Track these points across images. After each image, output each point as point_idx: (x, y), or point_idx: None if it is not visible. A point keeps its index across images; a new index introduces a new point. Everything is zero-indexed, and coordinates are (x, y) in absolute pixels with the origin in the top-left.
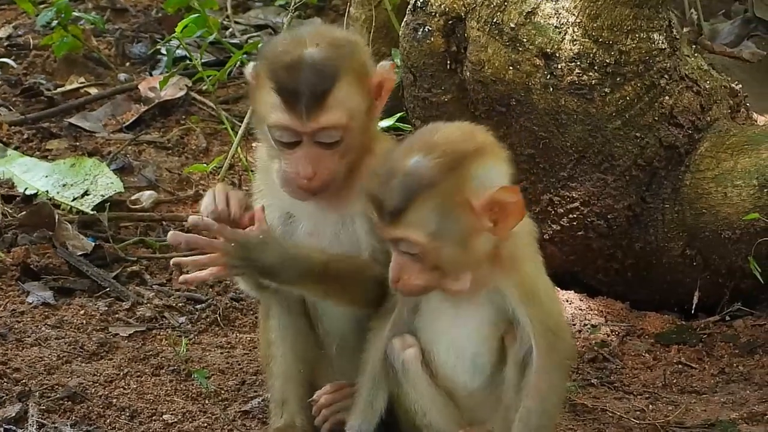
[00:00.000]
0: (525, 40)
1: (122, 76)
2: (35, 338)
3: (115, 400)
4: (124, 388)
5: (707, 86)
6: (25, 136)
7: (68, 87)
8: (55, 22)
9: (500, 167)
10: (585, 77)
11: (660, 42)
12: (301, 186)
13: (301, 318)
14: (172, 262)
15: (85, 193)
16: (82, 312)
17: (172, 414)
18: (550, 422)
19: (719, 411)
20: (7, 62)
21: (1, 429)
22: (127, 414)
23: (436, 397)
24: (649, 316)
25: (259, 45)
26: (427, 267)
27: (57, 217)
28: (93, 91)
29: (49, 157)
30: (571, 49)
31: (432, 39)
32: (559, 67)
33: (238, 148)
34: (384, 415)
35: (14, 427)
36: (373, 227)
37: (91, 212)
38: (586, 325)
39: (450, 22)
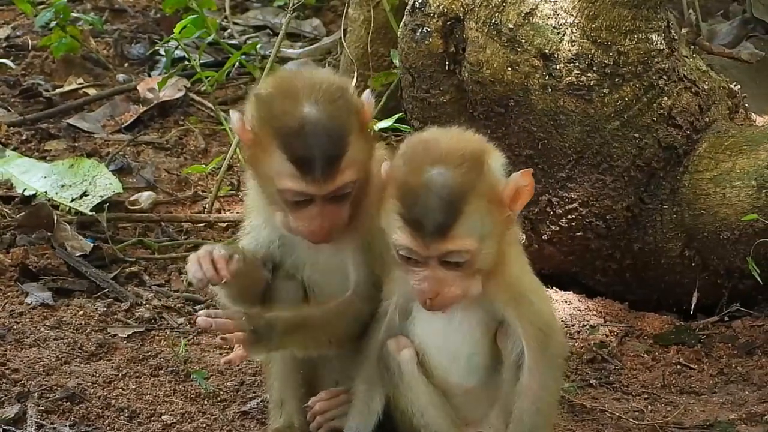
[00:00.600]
0: (523, 40)
1: (121, 77)
2: (34, 339)
3: (113, 401)
4: (123, 389)
5: (706, 87)
6: (23, 137)
7: (67, 88)
8: (53, 23)
9: (500, 158)
10: (583, 78)
11: (658, 43)
12: (315, 240)
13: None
14: (198, 320)
15: (84, 194)
16: (80, 313)
17: (170, 415)
18: (546, 422)
19: (718, 411)
20: (6, 63)
21: (0, 430)
22: (126, 415)
23: (433, 397)
24: (647, 316)
25: (258, 45)
26: (468, 274)
27: (56, 217)
28: (91, 91)
29: (47, 158)
30: (569, 50)
31: (430, 40)
32: (558, 67)
33: (237, 148)
34: (381, 417)
35: (13, 428)
36: (406, 248)
37: (90, 213)
38: (585, 325)
39: (448, 22)
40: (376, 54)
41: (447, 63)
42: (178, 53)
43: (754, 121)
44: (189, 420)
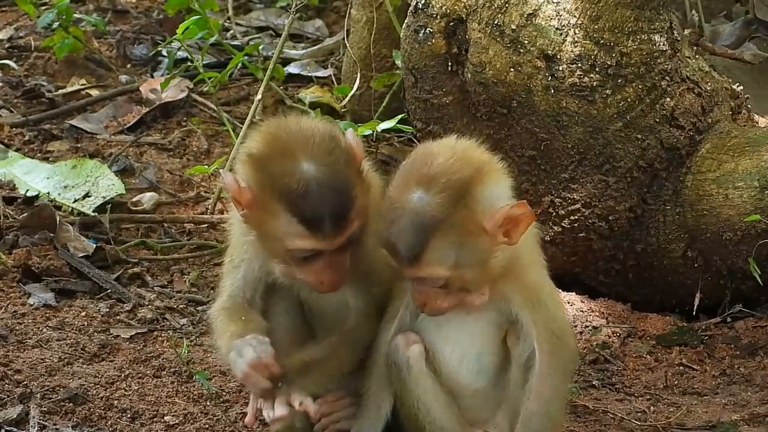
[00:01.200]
0: (526, 41)
1: (123, 78)
2: (36, 340)
3: (116, 402)
4: (126, 390)
5: (708, 88)
6: (26, 138)
7: (69, 89)
8: (56, 24)
9: (501, 183)
10: (586, 79)
11: (661, 44)
12: (323, 291)
13: (300, 318)
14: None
15: (87, 195)
16: (83, 313)
17: (173, 415)
18: (553, 425)
19: (720, 412)
20: (9, 64)
21: (3, 430)
22: (129, 416)
23: (440, 394)
24: (650, 317)
25: (260, 46)
26: (452, 291)
27: (58, 218)
28: (94, 92)
29: (50, 159)
30: (572, 51)
31: (433, 41)
32: (561, 68)
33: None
34: (389, 418)
35: (15, 429)
36: (393, 269)
37: (93, 214)
38: (588, 326)
39: (451, 23)
40: (379, 55)
41: (450, 64)
42: (181, 54)
43: (757, 122)
44: (191, 421)
